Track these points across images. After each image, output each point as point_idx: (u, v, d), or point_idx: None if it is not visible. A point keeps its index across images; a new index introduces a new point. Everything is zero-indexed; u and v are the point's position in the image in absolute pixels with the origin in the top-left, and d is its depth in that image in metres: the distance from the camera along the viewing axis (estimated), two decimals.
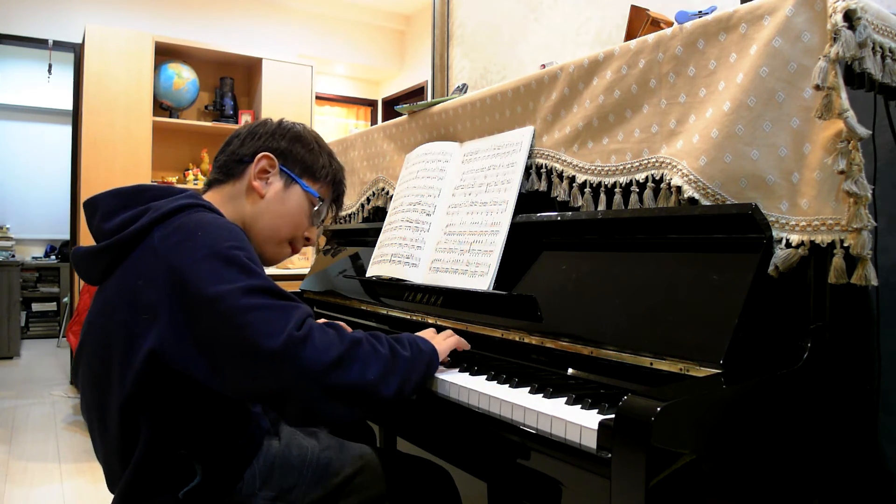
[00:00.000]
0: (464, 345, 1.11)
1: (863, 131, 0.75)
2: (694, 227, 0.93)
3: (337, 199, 1.19)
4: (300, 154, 1.11)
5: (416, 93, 6.03)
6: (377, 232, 1.58)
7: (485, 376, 0.99)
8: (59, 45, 4.70)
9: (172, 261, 0.84)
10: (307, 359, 0.77)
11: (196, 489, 0.90)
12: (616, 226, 1.04)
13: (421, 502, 1.08)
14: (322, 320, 1.06)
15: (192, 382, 0.84)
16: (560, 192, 1.20)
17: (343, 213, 1.99)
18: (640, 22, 1.27)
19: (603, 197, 1.12)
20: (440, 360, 1.01)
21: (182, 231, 0.87)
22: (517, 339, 1.10)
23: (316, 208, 1.13)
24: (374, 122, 6.83)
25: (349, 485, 1.02)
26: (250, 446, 0.99)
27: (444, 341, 1.05)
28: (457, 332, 1.24)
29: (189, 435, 0.90)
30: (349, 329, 0.93)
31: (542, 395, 0.87)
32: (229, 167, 1.09)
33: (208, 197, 1.08)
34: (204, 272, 0.81)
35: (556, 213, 1.14)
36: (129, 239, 0.90)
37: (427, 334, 1.06)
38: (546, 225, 1.16)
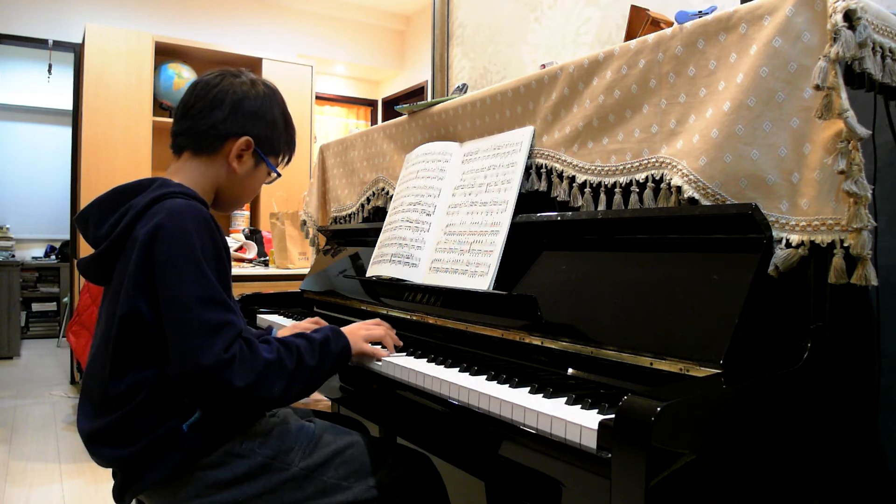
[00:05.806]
0: (392, 337, 1.20)
1: (863, 131, 0.75)
2: (694, 227, 0.93)
3: (289, 159, 1.30)
4: (272, 138, 1.21)
5: (416, 93, 6.03)
6: (377, 232, 1.58)
7: (485, 376, 0.99)
8: (59, 45, 4.70)
9: (146, 250, 0.97)
10: (226, 380, 0.92)
11: (198, 425, 1.00)
12: (616, 226, 1.04)
13: (407, 484, 1.12)
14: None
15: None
16: (560, 192, 1.20)
17: (343, 213, 2.00)
18: (640, 22, 1.27)
19: (603, 197, 1.12)
20: (356, 350, 1.14)
21: (155, 222, 0.99)
22: (517, 339, 1.10)
23: (271, 178, 1.26)
24: (374, 122, 6.83)
25: (340, 456, 1.09)
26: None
27: (367, 330, 1.17)
28: (457, 332, 1.25)
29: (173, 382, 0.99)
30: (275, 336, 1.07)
31: (542, 395, 0.87)
32: (208, 140, 1.14)
33: (179, 166, 1.16)
34: (167, 268, 0.96)
35: (556, 213, 1.14)
36: (117, 239, 1.03)
37: (351, 327, 1.17)
38: (546, 225, 1.16)
